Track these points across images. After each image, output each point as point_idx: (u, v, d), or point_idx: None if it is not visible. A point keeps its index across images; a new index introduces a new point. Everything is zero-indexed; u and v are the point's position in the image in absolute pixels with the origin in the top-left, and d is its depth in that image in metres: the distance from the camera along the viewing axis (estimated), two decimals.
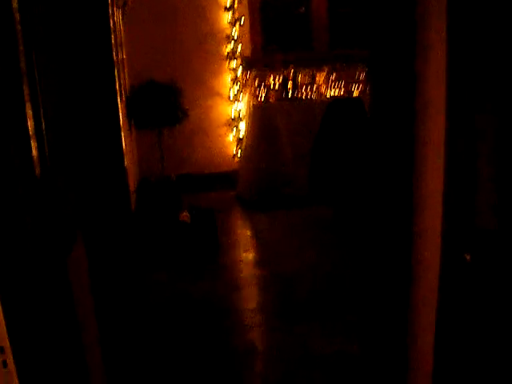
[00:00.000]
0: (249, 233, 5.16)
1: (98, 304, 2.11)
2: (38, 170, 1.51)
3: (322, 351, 2.97)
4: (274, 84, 5.94)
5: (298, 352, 2.98)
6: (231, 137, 6.64)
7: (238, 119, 6.52)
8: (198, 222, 4.96)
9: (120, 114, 4.47)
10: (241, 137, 6.50)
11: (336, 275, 3.94)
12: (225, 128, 6.61)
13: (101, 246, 2.24)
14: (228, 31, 6.38)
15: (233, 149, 6.68)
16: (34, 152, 1.49)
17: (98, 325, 2.09)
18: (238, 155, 6.60)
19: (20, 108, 1.45)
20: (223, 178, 6.63)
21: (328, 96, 5.96)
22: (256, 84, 5.97)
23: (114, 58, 3.82)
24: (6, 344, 1.19)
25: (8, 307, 1.19)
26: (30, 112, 1.49)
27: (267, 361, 2.99)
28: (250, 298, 3.83)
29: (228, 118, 6.57)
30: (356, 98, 5.71)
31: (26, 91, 1.49)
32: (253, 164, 5.90)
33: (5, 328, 1.18)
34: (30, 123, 1.49)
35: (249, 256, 4.51)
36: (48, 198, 1.59)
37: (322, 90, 5.98)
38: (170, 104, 5.93)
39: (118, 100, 4.87)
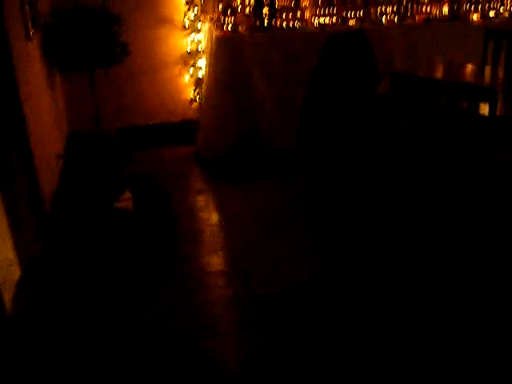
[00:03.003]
0: (215, 219, 3.81)
1: None
2: None
3: None
4: (244, 8, 4.39)
5: None
6: (187, 77, 5.15)
7: (196, 54, 5.01)
8: (145, 209, 3.62)
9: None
10: (200, 77, 5.03)
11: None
12: (179, 66, 5.12)
13: None
14: None
15: (190, 92, 5.21)
16: None
17: None
18: (197, 100, 5.16)
19: None
20: (178, 130, 5.26)
21: (316, 25, 4.45)
22: (219, 8, 4.41)
23: None
24: None
25: None
26: None
27: None
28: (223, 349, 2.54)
29: (183, 52, 5.05)
30: (357, 30, 4.22)
31: None
32: (217, 112, 4.49)
33: None
34: None
35: (216, 261, 3.19)
36: None
37: (308, 16, 4.47)
38: (103, 36, 4.36)
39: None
